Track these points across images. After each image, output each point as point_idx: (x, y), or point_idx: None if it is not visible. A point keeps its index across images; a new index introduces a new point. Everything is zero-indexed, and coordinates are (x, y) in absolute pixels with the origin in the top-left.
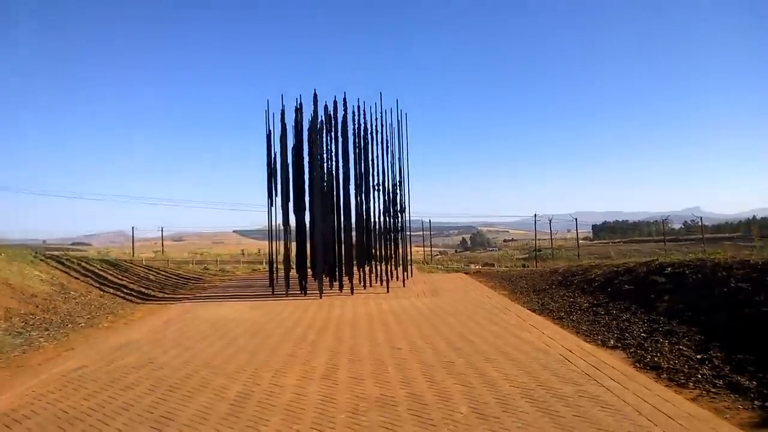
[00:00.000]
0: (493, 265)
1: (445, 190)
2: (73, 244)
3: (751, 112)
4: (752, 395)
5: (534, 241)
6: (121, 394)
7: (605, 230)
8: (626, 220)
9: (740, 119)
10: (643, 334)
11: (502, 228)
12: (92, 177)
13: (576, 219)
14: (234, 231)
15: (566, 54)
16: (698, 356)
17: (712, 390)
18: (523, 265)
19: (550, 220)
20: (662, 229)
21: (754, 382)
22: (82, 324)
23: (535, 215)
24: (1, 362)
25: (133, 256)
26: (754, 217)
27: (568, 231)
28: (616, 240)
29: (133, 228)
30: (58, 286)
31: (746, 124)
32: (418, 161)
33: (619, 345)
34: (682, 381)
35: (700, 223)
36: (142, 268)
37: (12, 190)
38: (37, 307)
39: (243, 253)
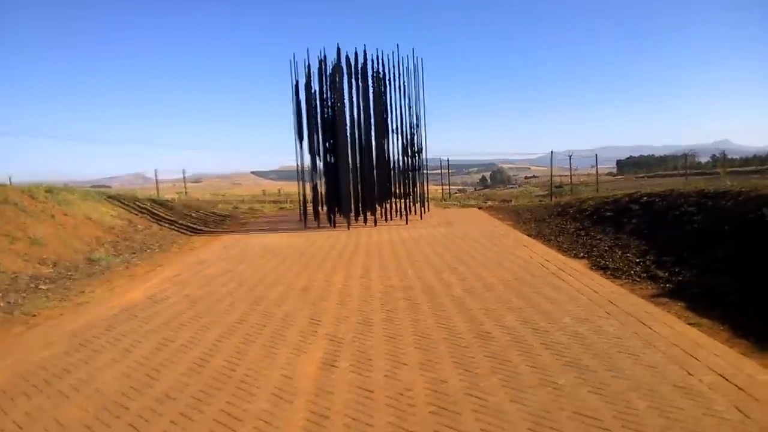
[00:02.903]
0: (510, 201)
1: (467, 128)
2: (93, 186)
3: None
4: (661, 282)
5: (554, 177)
6: (220, 287)
7: (630, 165)
8: (652, 155)
9: None
10: (605, 248)
11: (524, 165)
12: (108, 121)
13: (596, 155)
14: (251, 172)
15: None
16: (637, 260)
17: (637, 280)
18: (540, 201)
19: (570, 156)
20: (685, 163)
21: (666, 274)
22: (156, 249)
23: (552, 152)
24: (115, 275)
25: (158, 196)
26: None
27: (591, 167)
28: (641, 175)
29: (156, 170)
30: (125, 221)
31: None
32: (440, 101)
33: (585, 256)
34: (619, 276)
35: (723, 157)
36: (182, 207)
37: (32, 133)
38: (117, 236)
39: (264, 194)
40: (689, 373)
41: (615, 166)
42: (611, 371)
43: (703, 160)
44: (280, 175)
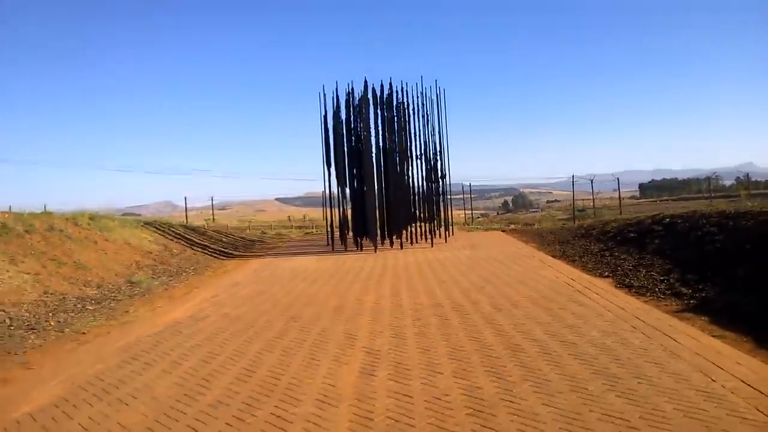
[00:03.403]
0: (533, 224)
1: (489, 152)
2: (124, 213)
3: None
4: (685, 299)
5: (577, 201)
6: (256, 307)
7: (653, 188)
8: (675, 178)
9: None
10: (629, 267)
11: (546, 189)
12: (136, 151)
13: (618, 179)
14: (276, 199)
15: (606, 8)
16: (661, 278)
17: (661, 297)
18: (563, 224)
19: (592, 180)
20: (709, 186)
21: (690, 291)
22: (191, 273)
23: (573, 176)
24: (155, 296)
25: (187, 223)
26: None
27: (613, 190)
28: (664, 198)
29: (185, 198)
30: (162, 246)
31: None
32: (461, 126)
33: (610, 275)
34: (644, 293)
35: (747, 180)
36: (213, 232)
37: (66, 164)
38: (154, 260)
39: (289, 219)
40: (712, 380)
41: (638, 189)
42: (638, 378)
43: (727, 183)
44: (305, 201)
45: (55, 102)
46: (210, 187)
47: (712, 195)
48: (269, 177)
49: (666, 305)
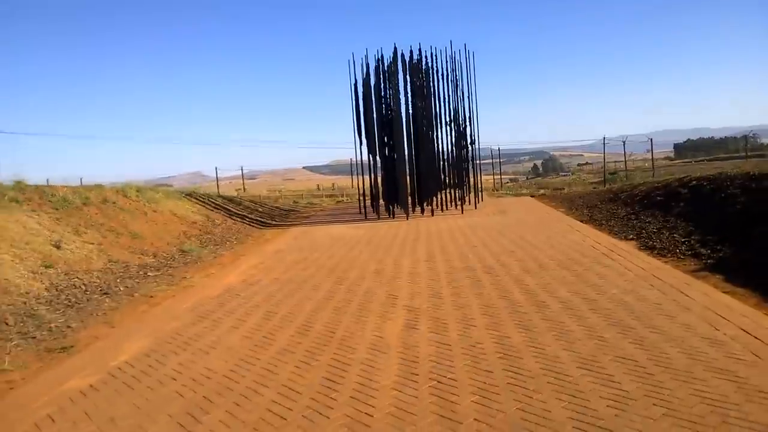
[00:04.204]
0: (562, 189)
1: (518, 115)
2: (155, 185)
3: None
4: (704, 259)
5: (609, 164)
6: (302, 271)
7: (688, 149)
8: (712, 137)
9: None
10: (654, 230)
11: (577, 152)
12: (164, 122)
13: (651, 139)
14: (304, 167)
15: None
16: (683, 240)
17: (681, 257)
18: (594, 188)
19: (624, 142)
20: (746, 145)
21: (709, 251)
22: (235, 242)
23: (604, 137)
24: (206, 263)
25: (218, 193)
26: None
27: (647, 151)
28: (700, 158)
29: (216, 168)
30: (204, 216)
31: None
32: (490, 90)
33: (635, 238)
34: (665, 254)
35: None
36: (249, 203)
37: (98, 137)
38: (199, 230)
39: (318, 188)
40: (716, 329)
41: (673, 150)
42: (649, 328)
43: (766, 141)
44: (333, 169)
45: (86, 74)
46: (237, 157)
47: (748, 154)
48: (299, 146)
49: (685, 265)
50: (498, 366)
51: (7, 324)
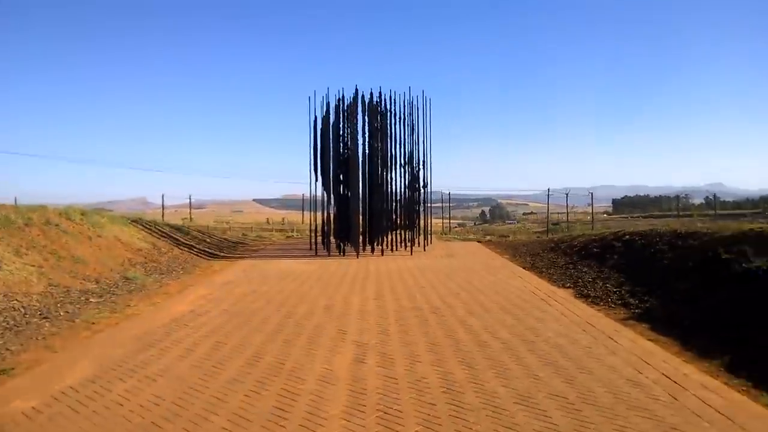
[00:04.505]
0: (508, 236)
1: (468, 162)
2: (97, 209)
3: None
4: (632, 309)
5: (552, 215)
6: (251, 304)
7: (625, 204)
8: (647, 195)
9: None
10: (589, 279)
11: (522, 201)
12: (107, 144)
13: (591, 193)
14: (254, 200)
15: (584, 24)
16: (614, 290)
17: (612, 306)
18: (537, 237)
19: (567, 194)
20: (677, 205)
21: (637, 302)
22: (181, 272)
23: (549, 189)
24: (151, 292)
25: (163, 221)
26: None
27: (588, 204)
28: (636, 214)
29: (162, 196)
30: (150, 244)
31: None
32: (441, 136)
33: (571, 286)
34: (598, 303)
35: (715, 200)
36: (197, 232)
37: (32, 154)
38: (145, 258)
39: (268, 222)
40: (639, 372)
41: (611, 204)
42: (580, 369)
43: (697, 201)
44: (283, 203)
45: (33, 93)
46: (185, 186)
47: (680, 213)
48: (244, 175)
49: (615, 313)
50: (441, 399)
51: None
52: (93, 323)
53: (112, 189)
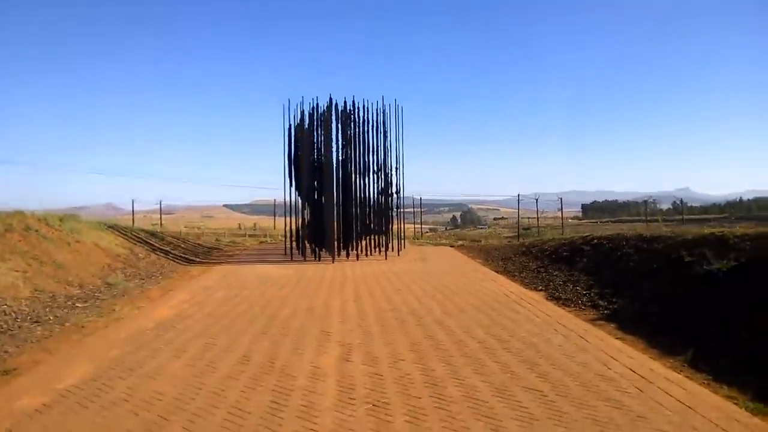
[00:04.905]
0: (479, 241)
1: (439, 167)
2: (70, 215)
3: (746, 90)
4: (601, 309)
5: (523, 219)
6: (234, 308)
7: (595, 210)
8: (616, 200)
9: (735, 98)
10: (560, 282)
11: (493, 206)
12: (73, 149)
13: (561, 199)
14: (224, 205)
15: (556, 27)
16: (584, 292)
17: (582, 308)
18: (508, 242)
19: (536, 200)
20: (645, 210)
21: (606, 303)
22: (160, 277)
23: (519, 195)
24: (134, 297)
25: (133, 226)
26: (740, 199)
27: (557, 210)
28: (605, 219)
29: (133, 201)
30: (127, 250)
31: (742, 103)
32: (413, 142)
33: (543, 289)
34: (569, 304)
35: (682, 205)
36: (172, 238)
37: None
38: (123, 263)
39: (240, 227)
40: (608, 367)
41: (580, 210)
42: (552, 365)
43: (665, 206)
44: (253, 209)
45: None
46: (153, 191)
47: (648, 218)
48: (213, 181)
49: (585, 314)
50: (425, 393)
51: None
52: (83, 326)
53: (80, 194)
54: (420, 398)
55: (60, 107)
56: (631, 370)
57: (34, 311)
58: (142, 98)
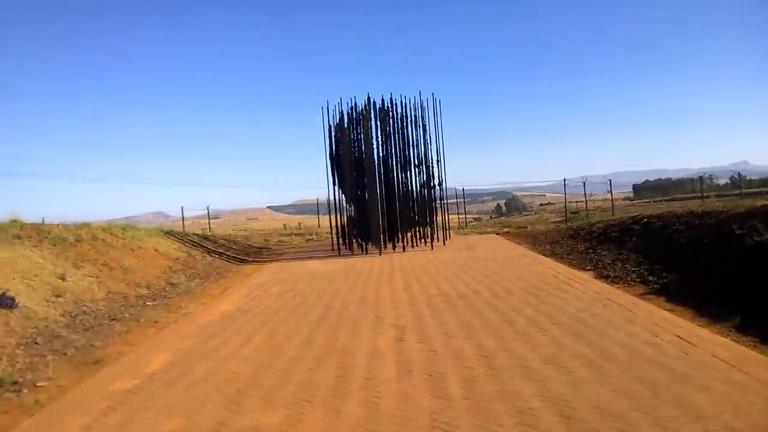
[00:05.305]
0: (526, 227)
1: (482, 156)
2: (130, 224)
3: None
4: (651, 285)
5: (570, 204)
6: (291, 300)
7: (647, 189)
8: (669, 178)
9: None
10: (609, 262)
11: (539, 192)
12: (119, 161)
13: (610, 180)
14: (268, 207)
15: (599, 6)
16: (633, 269)
17: (632, 284)
18: (555, 227)
19: (584, 183)
20: (701, 186)
21: (655, 278)
22: (217, 276)
23: (564, 179)
24: (197, 295)
25: (186, 232)
26: None
27: (607, 192)
28: (658, 199)
29: (182, 208)
30: (185, 253)
31: None
32: (456, 132)
33: (591, 268)
34: (618, 282)
35: (740, 179)
36: (224, 240)
37: (50, 176)
38: (183, 265)
39: (285, 227)
40: (654, 335)
41: (632, 190)
42: (600, 336)
43: (722, 181)
44: (297, 209)
45: (44, 113)
46: (199, 197)
47: (704, 195)
48: (257, 183)
49: (634, 290)
50: (477, 364)
51: (37, 344)
52: (156, 322)
53: (129, 205)
54: (472, 368)
55: (92, 119)
56: (678, 336)
57: (111, 310)
58: (183, 107)
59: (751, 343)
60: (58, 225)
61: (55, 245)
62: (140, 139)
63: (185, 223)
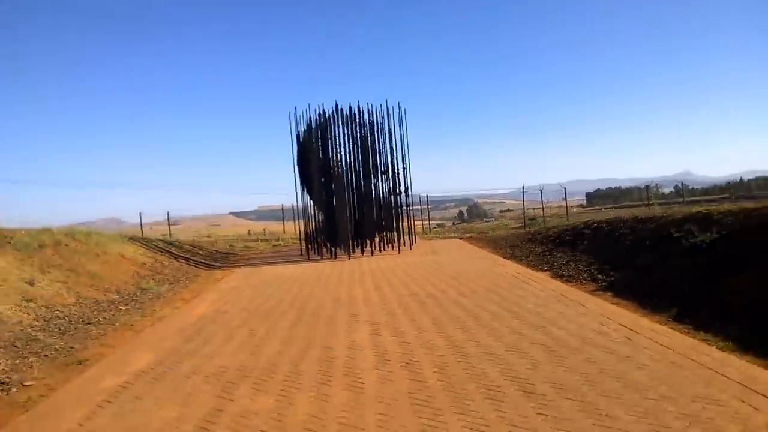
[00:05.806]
0: (487, 232)
1: (442, 164)
2: (93, 230)
3: (745, 68)
4: (600, 282)
5: (528, 210)
6: (264, 303)
7: (598, 197)
8: (619, 186)
9: (733, 78)
10: (563, 263)
11: (499, 199)
12: (68, 165)
13: (565, 188)
14: (230, 213)
15: (555, 18)
16: (585, 269)
17: (583, 282)
18: (514, 232)
19: (541, 190)
20: (647, 195)
21: (603, 277)
22: (186, 281)
23: (523, 186)
24: (168, 299)
25: (142, 238)
26: (740, 179)
27: (562, 199)
28: (608, 206)
29: (140, 214)
30: (152, 258)
31: (740, 83)
32: (418, 139)
33: (548, 269)
34: (571, 280)
35: (682, 188)
36: (189, 246)
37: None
38: (150, 270)
39: (250, 233)
40: (603, 325)
41: (585, 198)
42: (555, 326)
43: (666, 190)
44: (259, 215)
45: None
46: (157, 203)
47: (649, 202)
48: (219, 189)
49: (585, 287)
50: (447, 352)
51: (16, 347)
52: (132, 325)
53: (82, 210)
54: (444, 356)
55: (57, 121)
56: (622, 325)
57: (84, 315)
58: (142, 108)
59: (686, 330)
60: (21, 230)
61: (18, 250)
62: (92, 142)
63: (144, 229)
